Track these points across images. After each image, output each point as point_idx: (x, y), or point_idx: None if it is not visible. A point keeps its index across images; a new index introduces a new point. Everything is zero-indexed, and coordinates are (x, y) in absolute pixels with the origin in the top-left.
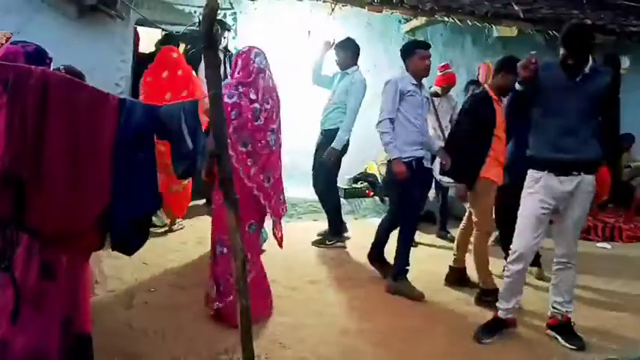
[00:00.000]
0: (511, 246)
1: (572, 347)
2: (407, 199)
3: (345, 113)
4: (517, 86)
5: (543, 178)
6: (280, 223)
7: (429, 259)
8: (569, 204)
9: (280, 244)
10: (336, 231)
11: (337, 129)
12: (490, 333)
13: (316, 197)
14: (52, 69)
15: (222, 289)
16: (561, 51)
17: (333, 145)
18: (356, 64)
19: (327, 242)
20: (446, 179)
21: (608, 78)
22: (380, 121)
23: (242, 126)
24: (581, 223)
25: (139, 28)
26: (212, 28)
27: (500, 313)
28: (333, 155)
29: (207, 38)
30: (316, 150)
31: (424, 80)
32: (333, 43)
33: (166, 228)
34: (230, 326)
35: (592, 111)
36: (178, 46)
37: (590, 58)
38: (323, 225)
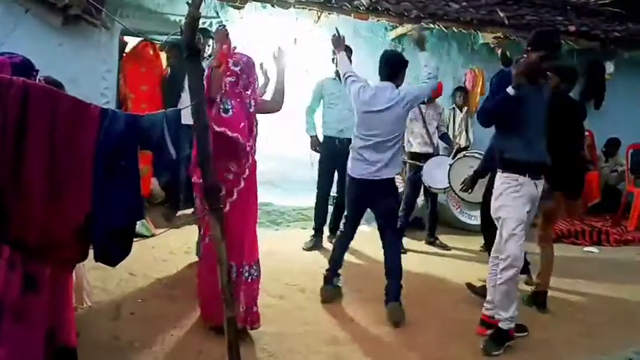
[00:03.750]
0: (500, 253)
1: None
2: None
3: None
4: (510, 90)
5: (526, 182)
6: None
7: (420, 265)
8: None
9: None
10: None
11: None
12: (498, 344)
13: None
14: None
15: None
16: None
17: None
18: None
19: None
20: (436, 186)
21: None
22: None
23: None
24: None
25: None
26: (194, 37)
27: (503, 324)
28: None
29: (189, 47)
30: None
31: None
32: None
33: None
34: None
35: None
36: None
37: None
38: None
